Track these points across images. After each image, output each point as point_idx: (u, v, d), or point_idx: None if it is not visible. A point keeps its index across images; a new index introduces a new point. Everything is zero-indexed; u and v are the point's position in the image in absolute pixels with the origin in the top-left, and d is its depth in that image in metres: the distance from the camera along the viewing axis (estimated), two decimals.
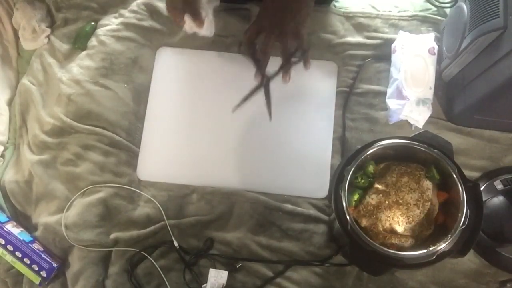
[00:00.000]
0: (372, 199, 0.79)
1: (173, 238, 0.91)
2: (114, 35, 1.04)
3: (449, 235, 0.72)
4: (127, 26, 1.05)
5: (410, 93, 0.93)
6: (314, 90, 1.01)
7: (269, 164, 0.97)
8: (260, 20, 0.83)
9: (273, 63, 0.84)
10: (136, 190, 0.95)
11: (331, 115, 0.99)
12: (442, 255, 0.73)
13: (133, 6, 1.07)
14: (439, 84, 0.98)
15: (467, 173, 0.79)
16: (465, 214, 0.73)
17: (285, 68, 0.82)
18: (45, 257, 0.89)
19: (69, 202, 0.94)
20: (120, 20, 1.06)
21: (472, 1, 0.86)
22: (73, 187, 0.95)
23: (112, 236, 0.92)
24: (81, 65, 1.02)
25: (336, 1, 1.08)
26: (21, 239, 0.89)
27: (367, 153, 0.79)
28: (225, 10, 1.06)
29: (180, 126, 1.00)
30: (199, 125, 0.99)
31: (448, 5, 1.06)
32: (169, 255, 0.92)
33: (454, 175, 0.76)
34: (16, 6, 1.06)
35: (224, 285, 0.88)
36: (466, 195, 0.74)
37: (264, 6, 0.83)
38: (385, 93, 0.99)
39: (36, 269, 0.88)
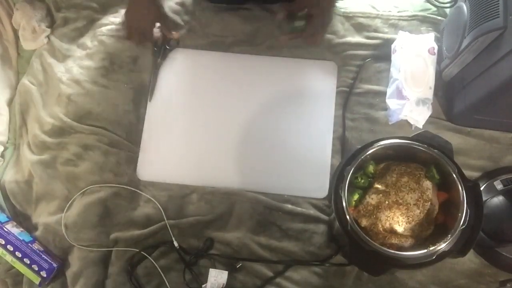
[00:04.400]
0: (372, 199, 0.79)
1: (173, 238, 0.91)
2: (114, 35, 1.04)
3: (449, 235, 0.72)
4: None
5: (410, 93, 0.93)
6: (314, 90, 1.01)
7: (269, 164, 0.97)
8: None
9: None
10: (136, 190, 0.95)
11: (331, 115, 0.99)
12: (442, 255, 0.73)
13: None
14: (439, 84, 0.98)
15: (467, 173, 0.79)
16: (465, 214, 0.73)
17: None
18: (45, 257, 0.89)
19: (69, 202, 0.94)
20: (120, 19, 1.06)
21: (472, 1, 0.86)
22: (73, 187, 0.95)
23: (112, 236, 0.92)
24: (81, 65, 1.02)
25: (336, 1, 1.08)
26: (21, 239, 0.89)
27: (367, 153, 0.79)
28: (225, 10, 1.06)
29: (180, 126, 1.00)
30: (199, 125, 0.99)
31: (448, 5, 1.06)
32: (169, 255, 0.92)
33: (454, 175, 0.76)
34: (16, 6, 1.06)
35: (224, 285, 0.88)
36: (466, 195, 0.74)
37: None
38: (385, 93, 0.99)
39: (36, 269, 0.88)
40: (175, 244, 0.91)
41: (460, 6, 0.91)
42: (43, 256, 0.89)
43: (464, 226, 0.73)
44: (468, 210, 0.73)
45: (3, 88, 1.04)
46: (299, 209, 0.93)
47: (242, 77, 1.02)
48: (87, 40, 1.05)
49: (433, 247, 0.72)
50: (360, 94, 1.01)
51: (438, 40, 1.02)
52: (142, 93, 1.02)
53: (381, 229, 0.77)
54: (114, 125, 0.98)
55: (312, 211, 0.93)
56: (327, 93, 1.01)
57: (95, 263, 0.91)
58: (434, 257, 0.73)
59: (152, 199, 0.94)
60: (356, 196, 0.80)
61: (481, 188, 0.87)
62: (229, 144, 0.98)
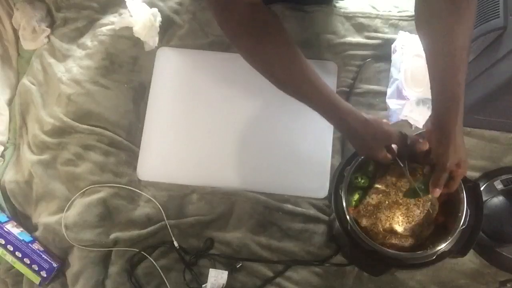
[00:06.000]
0: (372, 199, 0.79)
1: (173, 238, 0.91)
2: (114, 35, 1.04)
3: (449, 235, 0.72)
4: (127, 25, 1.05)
5: (410, 93, 0.93)
6: None
7: (269, 164, 0.97)
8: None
9: None
10: (136, 190, 0.95)
11: None
12: (442, 255, 0.73)
13: None
14: None
15: (467, 173, 0.79)
16: (465, 214, 0.73)
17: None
18: (45, 257, 0.89)
19: (69, 202, 0.94)
20: (120, 19, 1.06)
21: None
22: (73, 187, 0.95)
23: (112, 236, 0.92)
24: (81, 65, 1.02)
25: (336, 2, 1.08)
26: (21, 239, 0.89)
27: None
28: None
29: (180, 126, 1.00)
30: (199, 125, 0.99)
31: None
32: (169, 255, 0.92)
33: None
34: (16, 6, 1.06)
35: (224, 285, 0.88)
36: (466, 195, 0.74)
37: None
38: (385, 93, 0.99)
39: (36, 269, 0.88)
40: (175, 244, 0.91)
41: None
42: (43, 256, 0.89)
43: (464, 226, 0.73)
44: (468, 210, 0.73)
45: (3, 88, 1.04)
46: (299, 209, 0.93)
47: (242, 77, 1.02)
48: (87, 40, 1.05)
49: (433, 247, 0.72)
50: (360, 94, 1.01)
51: None
52: (142, 93, 1.02)
53: (381, 229, 0.77)
54: (114, 125, 0.98)
55: (312, 211, 0.93)
56: None
57: (95, 263, 0.91)
58: (434, 257, 0.73)
59: (152, 199, 0.94)
60: (356, 196, 0.80)
61: (481, 188, 0.87)
62: (229, 144, 0.98)
